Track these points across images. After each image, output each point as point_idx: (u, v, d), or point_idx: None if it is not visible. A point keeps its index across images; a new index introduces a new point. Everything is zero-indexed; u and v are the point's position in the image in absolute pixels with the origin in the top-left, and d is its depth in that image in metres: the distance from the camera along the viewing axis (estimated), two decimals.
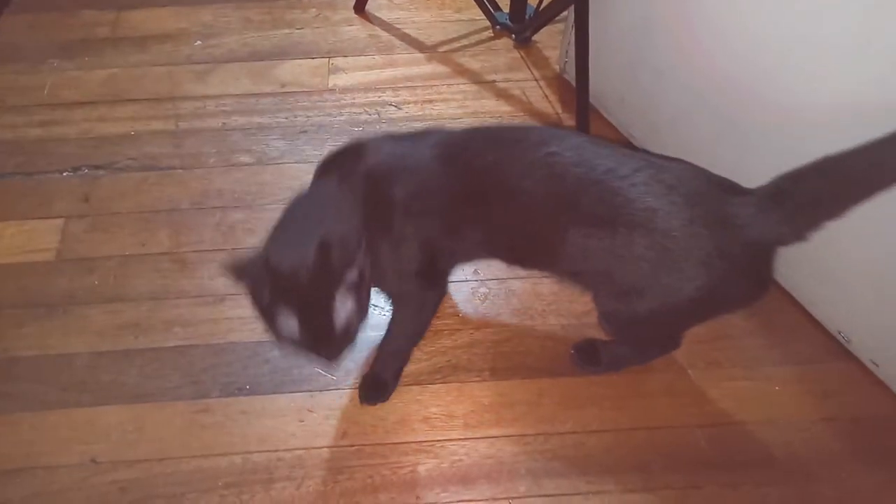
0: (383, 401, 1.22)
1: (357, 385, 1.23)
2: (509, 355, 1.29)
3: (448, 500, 1.13)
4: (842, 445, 1.19)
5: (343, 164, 1.06)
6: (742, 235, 0.92)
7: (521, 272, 1.26)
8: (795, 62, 1.14)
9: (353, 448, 1.18)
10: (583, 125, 1.51)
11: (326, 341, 0.94)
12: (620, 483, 1.16)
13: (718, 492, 1.15)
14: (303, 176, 1.47)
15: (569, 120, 1.59)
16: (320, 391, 1.24)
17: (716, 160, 1.31)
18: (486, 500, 1.14)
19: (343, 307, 0.93)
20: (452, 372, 1.27)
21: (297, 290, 0.91)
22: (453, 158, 1.01)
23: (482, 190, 1.00)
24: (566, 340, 1.30)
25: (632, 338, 1.20)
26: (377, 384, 1.23)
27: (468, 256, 1.20)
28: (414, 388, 1.25)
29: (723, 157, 1.31)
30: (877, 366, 1.24)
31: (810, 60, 1.12)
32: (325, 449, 1.18)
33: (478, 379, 1.26)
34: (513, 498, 1.15)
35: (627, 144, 1.52)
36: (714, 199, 0.94)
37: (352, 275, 0.93)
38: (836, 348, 1.28)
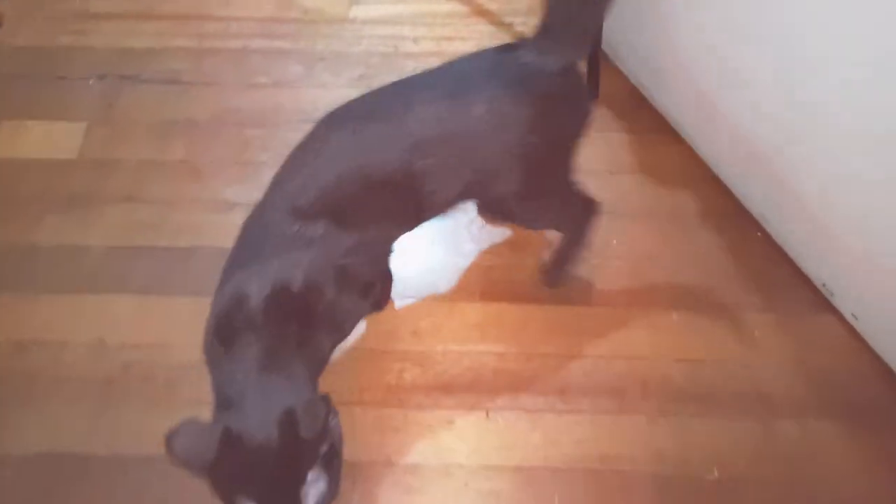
0: None
1: None
2: (500, 281, 1.35)
3: (429, 405, 1.20)
4: (810, 392, 1.23)
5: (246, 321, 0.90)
6: (538, 74, 1.01)
7: None
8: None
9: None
10: (594, 73, 1.54)
11: None
12: (595, 405, 1.22)
13: (686, 421, 1.21)
14: (318, 101, 1.53)
15: (581, 67, 1.62)
16: None
17: (724, 107, 1.34)
18: (466, 408, 1.21)
19: (315, 489, 0.81)
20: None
21: (260, 477, 0.79)
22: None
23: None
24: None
25: (538, 216, 1.24)
26: None
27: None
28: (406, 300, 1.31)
29: (729, 103, 1.34)
30: (857, 319, 1.28)
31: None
32: None
33: (468, 299, 1.32)
34: (490, 409, 1.21)
35: None
36: (509, 62, 1.02)
37: (323, 448, 0.82)
38: (819, 301, 1.32)
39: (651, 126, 1.52)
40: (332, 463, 0.84)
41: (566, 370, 1.25)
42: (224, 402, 0.86)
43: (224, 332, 0.90)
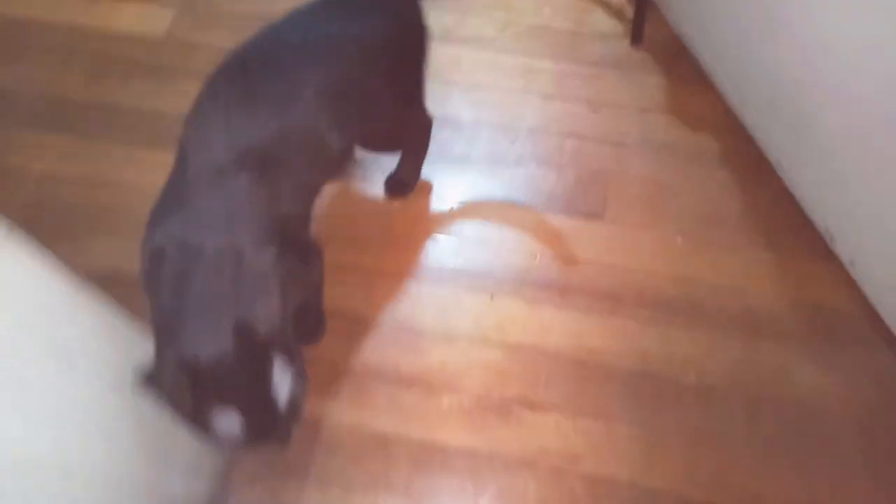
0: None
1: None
2: (523, 189, 1.48)
3: (442, 280, 1.35)
4: (796, 323, 1.32)
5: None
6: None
7: None
8: None
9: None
10: (639, 18, 1.63)
11: (274, 427, 0.85)
12: (592, 306, 1.34)
13: (675, 332, 1.31)
14: None
15: (630, 12, 1.71)
16: None
17: (759, 55, 1.42)
18: (472, 289, 1.34)
19: (283, 383, 0.84)
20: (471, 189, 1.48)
21: (225, 384, 0.81)
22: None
23: None
24: (567, 192, 1.47)
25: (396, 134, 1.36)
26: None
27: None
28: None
29: (762, 51, 1.42)
30: (853, 265, 1.35)
31: None
32: None
33: (489, 198, 1.46)
34: (495, 292, 1.34)
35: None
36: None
37: (283, 347, 0.85)
38: (821, 245, 1.39)
39: (687, 74, 1.61)
40: (294, 354, 0.87)
41: (569, 272, 1.37)
42: (167, 330, 0.87)
43: (158, 268, 0.90)
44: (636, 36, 1.66)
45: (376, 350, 1.30)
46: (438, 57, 1.63)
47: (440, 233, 1.42)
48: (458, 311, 1.34)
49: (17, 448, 0.71)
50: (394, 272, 1.37)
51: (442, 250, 1.40)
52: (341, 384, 1.27)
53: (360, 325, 1.32)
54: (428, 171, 1.46)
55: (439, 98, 1.57)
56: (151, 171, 1.43)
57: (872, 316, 1.30)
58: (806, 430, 1.21)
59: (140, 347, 0.91)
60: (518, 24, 1.70)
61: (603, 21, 1.70)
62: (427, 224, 1.44)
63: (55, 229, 1.28)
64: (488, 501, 1.17)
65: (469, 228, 1.43)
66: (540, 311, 1.34)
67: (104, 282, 0.99)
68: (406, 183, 1.45)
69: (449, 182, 1.48)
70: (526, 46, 1.67)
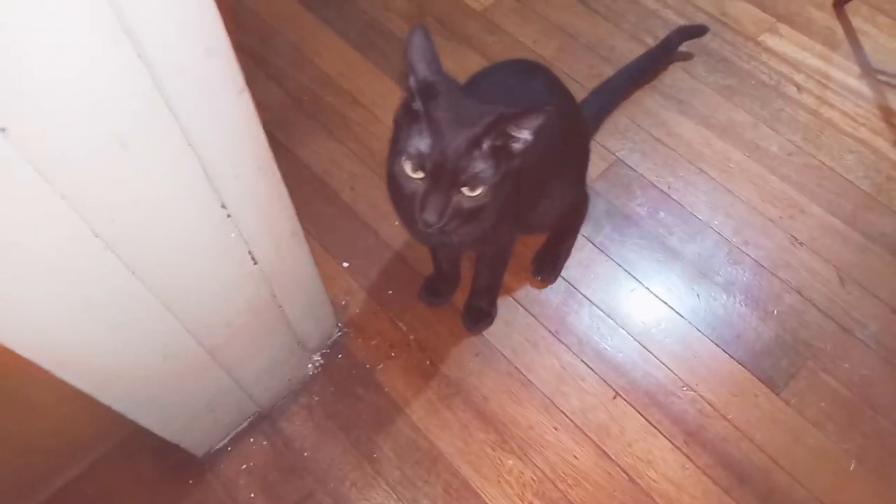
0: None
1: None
2: (715, 316, 1.33)
3: (581, 349, 1.27)
4: None
5: None
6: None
7: None
8: None
9: None
10: None
11: (442, 182, 0.85)
12: (710, 468, 1.19)
13: None
14: (678, 78, 1.62)
15: None
16: None
17: None
18: (601, 377, 1.26)
19: (481, 157, 0.85)
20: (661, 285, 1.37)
21: (455, 114, 0.85)
22: None
23: None
24: (758, 346, 1.29)
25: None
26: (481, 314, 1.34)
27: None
28: None
29: None
30: None
31: None
32: None
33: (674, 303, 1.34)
34: (621, 394, 1.24)
35: None
36: None
37: (516, 144, 0.88)
38: None
39: None
40: (509, 163, 0.90)
41: (710, 421, 1.22)
42: None
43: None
44: None
45: (480, 373, 1.27)
46: (710, 146, 1.53)
47: (601, 308, 1.34)
48: (575, 388, 1.26)
49: None
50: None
51: (592, 324, 1.32)
52: (432, 384, 1.27)
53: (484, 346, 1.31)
54: (636, 245, 1.40)
55: (685, 182, 1.48)
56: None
57: None
58: None
59: None
60: (810, 157, 1.53)
61: None
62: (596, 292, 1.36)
63: None
64: None
65: (636, 319, 1.33)
66: (654, 439, 1.21)
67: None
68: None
69: (644, 266, 1.39)
70: (805, 182, 1.49)
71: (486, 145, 0.86)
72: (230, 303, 0.89)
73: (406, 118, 0.87)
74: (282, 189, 0.87)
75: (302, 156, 1.54)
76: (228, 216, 0.77)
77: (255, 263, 0.87)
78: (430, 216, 0.86)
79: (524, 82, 1.15)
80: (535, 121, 0.86)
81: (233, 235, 0.79)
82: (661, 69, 1.65)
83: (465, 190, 0.87)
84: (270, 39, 1.74)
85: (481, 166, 0.86)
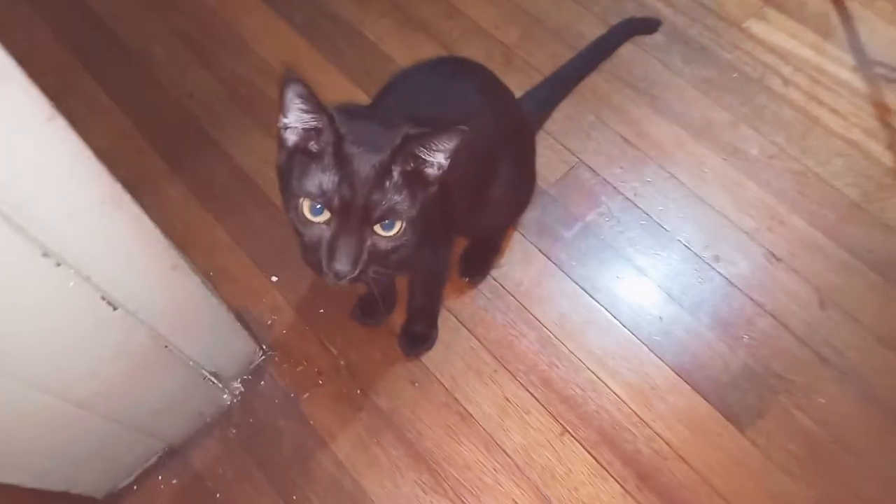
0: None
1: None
2: (677, 342, 1.21)
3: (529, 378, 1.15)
4: None
5: None
6: None
7: None
8: None
9: None
10: None
11: (353, 221, 0.73)
12: None
13: None
14: (652, 69, 1.47)
15: None
16: None
17: None
18: (548, 410, 1.13)
19: (394, 188, 0.73)
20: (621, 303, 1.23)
21: (361, 140, 0.73)
22: None
23: None
24: (724, 377, 1.16)
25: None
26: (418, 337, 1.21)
27: None
28: None
29: None
30: None
31: None
32: None
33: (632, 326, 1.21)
34: (569, 432, 1.12)
35: None
36: None
37: (429, 169, 0.75)
38: None
39: None
40: (420, 191, 0.77)
41: (664, 462, 1.10)
42: None
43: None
44: None
45: (415, 404, 1.16)
46: (683, 148, 1.39)
47: (552, 331, 1.21)
48: (519, 422, 1.14)
49: None
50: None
51: (542, 349, 1.20)
52: (362, 416, 1.15)
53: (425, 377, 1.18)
54: (595, 259, 1.27)
55: (653, 189, 1.34)
56: None
57: None
58: None
59: None
60: (793, 160, 1.38)
61: None
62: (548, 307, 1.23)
63: None
64: None
65: (591, 344, 1.20)
66: (604, 483, 1.09)
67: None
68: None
69: (603, 284, 1.25)
70: (786, 189, 1.34)
71: (396, 172, 0.74)
72: (89, 353, 0.77)
73: (299, 159, 0.75)
74: (145, 222, 0.74)
75: (234, 154, 1.40)
76: (58, 265, 0.64)
77: (115, 309, 0.75)
78: (342, 265, 0.74)
79: (448, 85, 1.01)
80: (449, 142, 0.74)
81: (72, 284, 0.67)
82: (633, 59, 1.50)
83: (379, 229, 0.75)
84: (210, 24, 1.59)
85: (396, 198, 0.74)
